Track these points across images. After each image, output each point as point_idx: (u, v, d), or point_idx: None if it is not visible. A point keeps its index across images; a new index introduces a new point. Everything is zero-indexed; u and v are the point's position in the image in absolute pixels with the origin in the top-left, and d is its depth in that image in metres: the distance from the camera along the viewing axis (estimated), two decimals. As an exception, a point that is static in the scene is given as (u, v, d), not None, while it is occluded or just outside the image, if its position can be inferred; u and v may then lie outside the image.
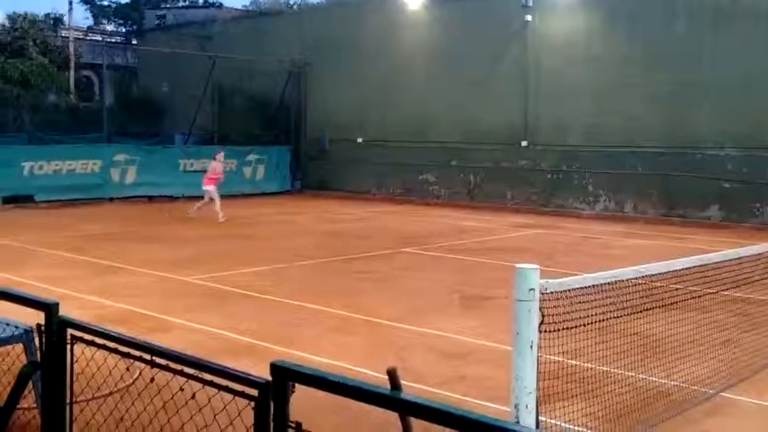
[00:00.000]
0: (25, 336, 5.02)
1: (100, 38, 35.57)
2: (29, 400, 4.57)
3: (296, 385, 2.71)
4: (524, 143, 23.66)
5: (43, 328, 3.81)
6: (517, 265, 4.54)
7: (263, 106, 28.58)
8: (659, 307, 6.63)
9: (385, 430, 4.25)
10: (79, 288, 10.61)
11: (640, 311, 6.24)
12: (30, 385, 4.27)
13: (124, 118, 27.93)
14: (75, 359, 3.76)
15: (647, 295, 6.42)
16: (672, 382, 6.57)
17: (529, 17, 23.40)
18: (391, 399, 2.46)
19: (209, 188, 19.36)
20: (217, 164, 20.01)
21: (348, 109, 27.32)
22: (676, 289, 6.79)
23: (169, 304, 9.89)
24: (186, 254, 13.91)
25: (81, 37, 33.45)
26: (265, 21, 29.81)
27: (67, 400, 3.80)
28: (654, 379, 6.60)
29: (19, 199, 21.28)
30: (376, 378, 4.95)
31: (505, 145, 23.88)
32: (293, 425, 2.71)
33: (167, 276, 11.77)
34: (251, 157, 27.03)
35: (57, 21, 30.99)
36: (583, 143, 22.39)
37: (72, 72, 29.66)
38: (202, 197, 19.41)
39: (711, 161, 20.29)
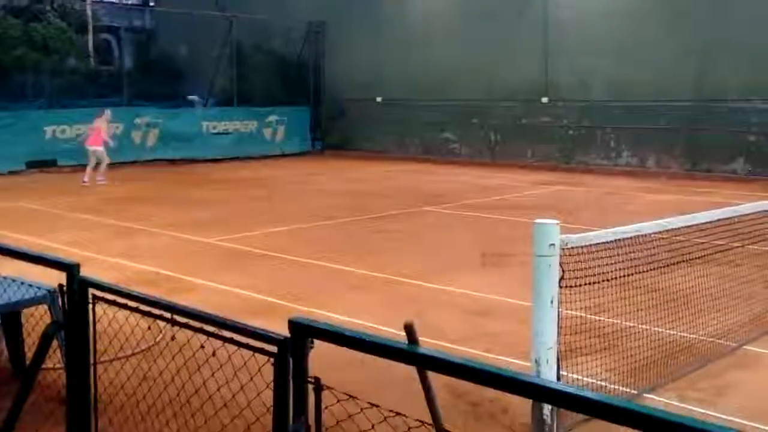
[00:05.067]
0: (48, 297, 5.09)
1: (117, 1, 35.41)
2: (54, 360, 4.64)
3: (315, 341, 2.72)
4: (545, 99, 23.36)
5: (65, 288, 3.84)
6: (537, 221, 4.51)
7: (282, 66, 28.40)
8: (683, 261, 6.57)
9: (405, 385, 4.27)
10: (103, 250, 10.72)
11: (664, 266, 6.20)
12: (55, 345, 4.33)
13: (143, 81, 27.90)
14: (97, 319, 3.80)
15: (670, 249, 6.36)
16: (694, 336, 6.54)
17: (549, -30, 22.97)
18: (407, 353, 2.45)
19: (97, 149, 18.21)
20: (102, 123, 18.74)
21: (366, 68, 27.08)
22: (700, 243, 6.72)
23: (191, 264, 9.97)
24: (207, 216, 13.99)
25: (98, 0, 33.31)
26: (282, -21, 29.48)
27: (91, 360, 3.84)
28: (676, 333, 6.56)
29: (43, 164, 21.44)
30: (396, 335, 4.97)
31: (525, 101, 23.61)
32: (312, 380, 2.72)
33: (189, 237, 11.85)
34: (271, 118, 27.00)
35: (74, -17, 30.82)
36: (605, 98, 22.07)
37: (90, 35, 29.58)
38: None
39: (736, 114, 19.93)
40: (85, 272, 3.80)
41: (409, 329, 3.29)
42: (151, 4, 35.82)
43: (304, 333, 2.67)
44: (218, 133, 25.60)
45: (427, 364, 2.44)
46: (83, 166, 18.70)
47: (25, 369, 4.89)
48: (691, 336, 6.53)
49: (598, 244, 5.07)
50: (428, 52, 25.51)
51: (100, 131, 18.62)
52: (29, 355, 4.43)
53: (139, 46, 33.36)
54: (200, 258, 10.50)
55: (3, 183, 19.07)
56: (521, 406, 4.83)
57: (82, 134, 22.41)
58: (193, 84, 28.58)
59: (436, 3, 25.85)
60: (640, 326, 6.49)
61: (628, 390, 5.55)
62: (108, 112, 19.38)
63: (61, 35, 24.89)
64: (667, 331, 6.56)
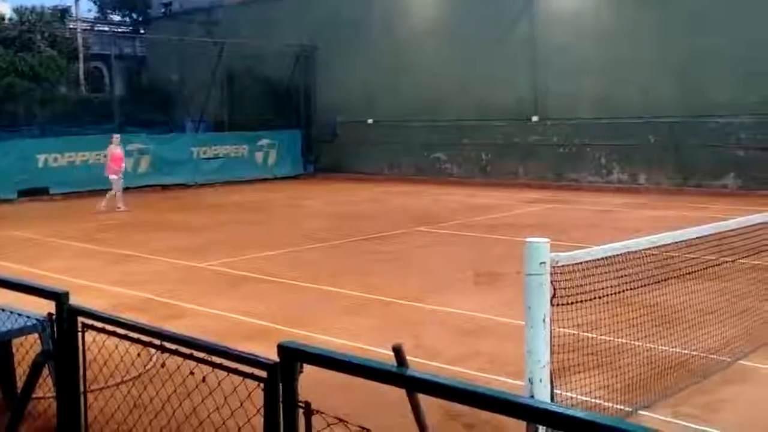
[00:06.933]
0: (39, 326, 5.04)
1: (107, 29, 35.60)
2: (45, 389, 4.60)
3: (306, 366, 2.71)
4: (535, 118, 23.50)
5: (54, 317, 3.83)
6: (528, 240, 4.51)
7: (273, 90, 28.54)
8: (675, 277, 6.58)
9: (396, 408, 4.24)
10: (96, 278, 10.68)
11: (656, 282, 6.20)
12: (46, 374, 4.30)
13: (135, 107, 28.01)
14: (87, 347, 3.77)
15: (662, 265, 6.37)
16: (688, 352, 6.53)
17: (536, -10, 23.19)
18: (396, 375, 2.45)
19: (114, 177, 18.27)
20: (116, 149, 18.59)
21: (357, 91, 27.22)
22: (692, 259, 6.74)
23: (184, 290, 9.93)
24: (200, 241, 13.96)
25: (89, 28, 33.49)
26: (271, 4, 29.71)
27: (81, 388, 3.82)
28: (670, 349, 6.56)
29: (34, 192, 21.39)
30: (390, 357, 4.95)
31: (515, 120, 23.73)
32: (302, 405, 2.71)
33: (182, 263, 11.82)
34: (263, 142, 27.06)
35: (64, 13, 30.99)
36: (595, 116, 22.20)
37: (81, 64, 29.73)
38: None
39: (725, 129, 20.06)
40: (79, 300, 3.79)
41: (397, 351, 3.28)
42: (142, 31, 36.01)
43: (293, 357, 2.66)
44: (209, 158, 25.64)
45: (415, 386, 2.44)
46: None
47: (15, 399, 4.85)
48: (685, 352, 6.53)
49: (589, 261, 5.07)
50: (418, 74, 25.66)
51: (114, 158, 18.49)
52: (20, 384, 4.39)
53: (130, 73, 33.54)
54: (194, 283, 10.46)
55: (-5, 212, 19.02)
56: (517, 426, 4.81)
57: (74, 162, 22.42)
58: (185, 110, 28.66)
59: (426, 25, 26.03)
60: (633, 343, 6.49)
61: (622, 407, 5.53)
62: (118, 136, 18.99)
63: (52, 64, 24.98)
64: (661, 347, 6.56)
